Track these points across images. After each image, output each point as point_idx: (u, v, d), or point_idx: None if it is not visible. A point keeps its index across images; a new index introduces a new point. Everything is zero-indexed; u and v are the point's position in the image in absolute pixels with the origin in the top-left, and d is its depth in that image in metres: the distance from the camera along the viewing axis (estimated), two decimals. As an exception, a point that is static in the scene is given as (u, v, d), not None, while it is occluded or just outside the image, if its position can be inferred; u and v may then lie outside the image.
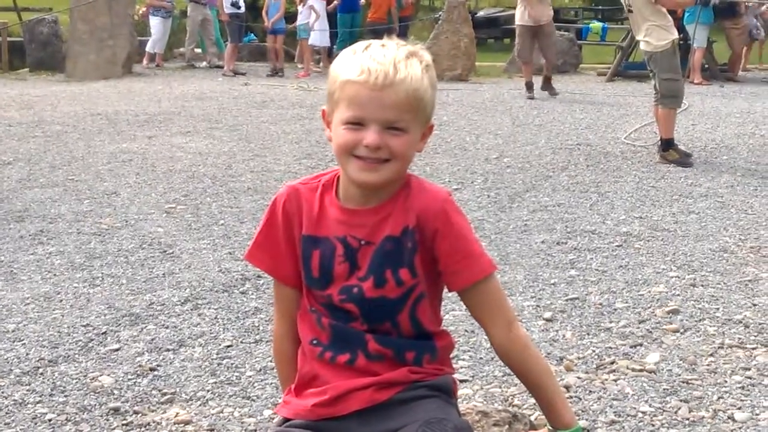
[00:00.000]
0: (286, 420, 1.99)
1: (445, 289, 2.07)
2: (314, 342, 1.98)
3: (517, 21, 12.88)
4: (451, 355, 2.14)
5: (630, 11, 7.83)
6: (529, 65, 12.97)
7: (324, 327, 1.97)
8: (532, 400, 3.14)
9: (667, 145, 7.79)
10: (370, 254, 1.93)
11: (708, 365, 3.49)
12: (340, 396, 1.92)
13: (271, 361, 3.17)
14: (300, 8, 17.10)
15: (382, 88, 1.82)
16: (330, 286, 1.96)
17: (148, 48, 17.77)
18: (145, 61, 17.64)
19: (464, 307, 4.04)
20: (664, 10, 7.66)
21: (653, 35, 7.57)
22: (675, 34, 7.64)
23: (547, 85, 12.92)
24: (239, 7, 17.37)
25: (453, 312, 4.05)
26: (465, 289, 1.96)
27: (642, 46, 7.84)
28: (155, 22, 17.76)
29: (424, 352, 1.97)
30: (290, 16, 18.60)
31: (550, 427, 2.02)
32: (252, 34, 19.74)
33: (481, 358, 3.57)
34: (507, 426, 2.48)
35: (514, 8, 13.56)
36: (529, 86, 12.81)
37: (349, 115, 1.86)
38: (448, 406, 1.95)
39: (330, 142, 1.93)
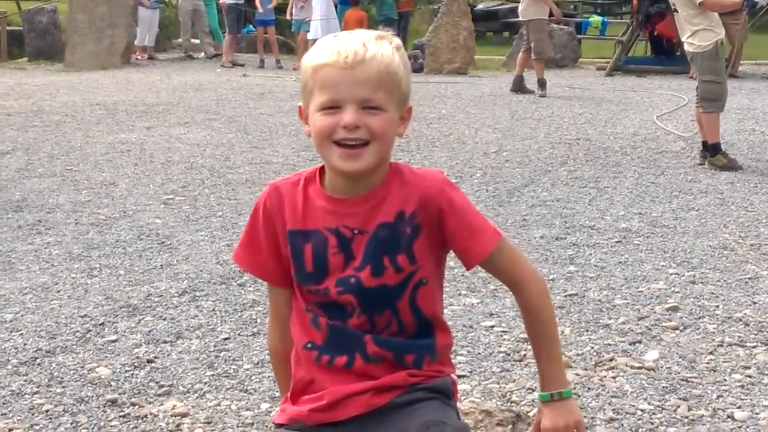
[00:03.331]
0: (281, 426, 1.96)
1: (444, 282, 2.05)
2: (308, 346, 1.94)
3: (533, 16, 12.44)
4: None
5: (675, 11, 7.69)
6: (542, 61, 12.60)
7: (321, 327, 1.93)
8: (531, 396, 3.14)
9: (714, 150, 7.51)
10: (364, 243, 1.90)
11: (707, 363, 3.48)
12: (338, 401, 1.88)
13: (268, 354, 3.17)
14: (298, 2, 17.01)
15: (353, 65, 1.81)
16: (325, 280, 1.92)
17: (137, 42, 17.60)
18: (138, 55, 17.51)
19: (462, 302, 4.10)
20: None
21: (697, 36, 7.41)
22: (720, 34, 7.44)
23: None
24: (238, -2, 17.31)
25: (451, 307, 4.04)
26: (481, 263, 1.95)
27: (685, 46, 7.70)
28: (141, 14, 17.59)
29: (425, 354, 1.94)
30: (282, 7, 18.50)
31: (544, 393, 1.96)
32: (251, 25, 19.66)
33: (479, 354, 3.56)
34: (511, 426, 2.47)
35: (513, 1, 13.28)
36: (542, 83, 12.43)
37: (323, 99, 1.83)
38: (447, 408, 1.92)
39: (309, 138, 1.91)
